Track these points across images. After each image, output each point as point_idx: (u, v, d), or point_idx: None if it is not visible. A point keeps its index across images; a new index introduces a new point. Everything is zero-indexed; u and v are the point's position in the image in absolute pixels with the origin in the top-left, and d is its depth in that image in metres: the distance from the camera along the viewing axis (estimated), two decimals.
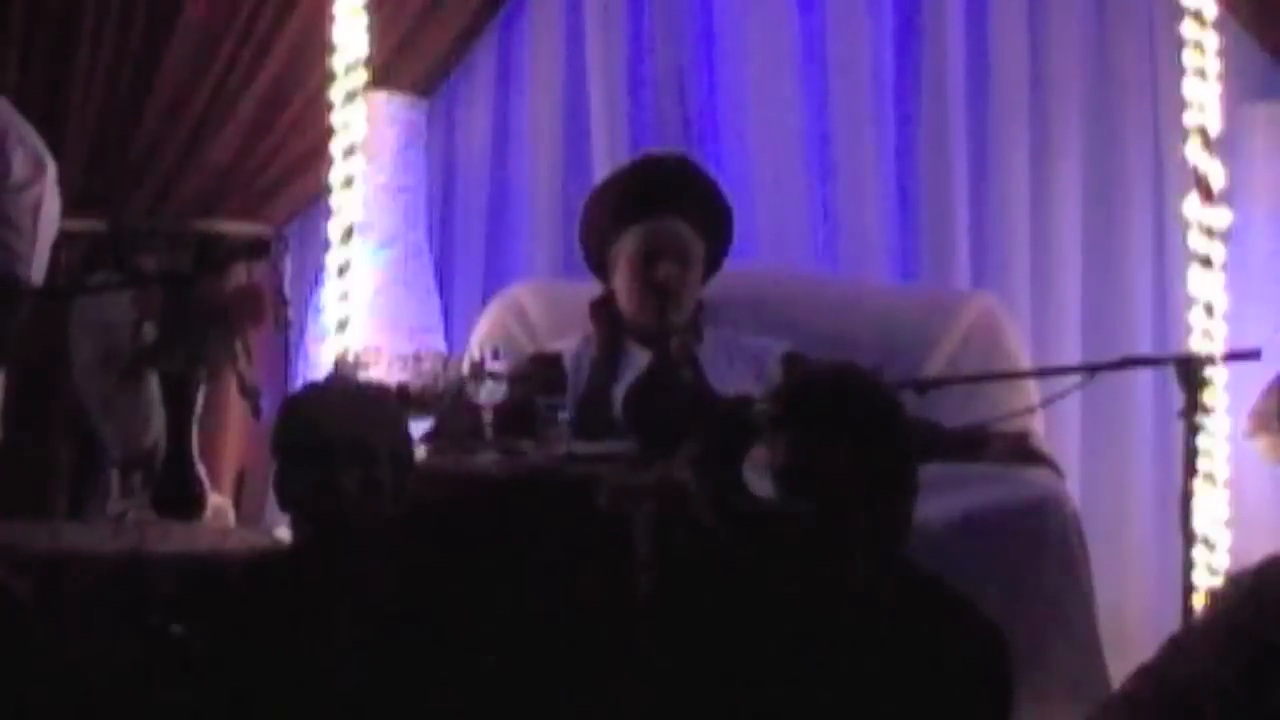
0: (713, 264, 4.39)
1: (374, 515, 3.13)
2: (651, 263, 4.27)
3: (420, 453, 3.74)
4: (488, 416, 4.05)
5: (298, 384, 4.71)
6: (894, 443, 2.89)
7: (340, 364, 4.66)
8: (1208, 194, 4.72)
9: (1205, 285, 4.71)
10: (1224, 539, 4.68)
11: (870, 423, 2.87)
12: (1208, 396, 4.30)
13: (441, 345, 4.94)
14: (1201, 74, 4.76)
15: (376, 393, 3.56)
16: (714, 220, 4.38)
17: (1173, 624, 3.72)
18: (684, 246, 4.30)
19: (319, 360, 4.92)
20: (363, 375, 4.38)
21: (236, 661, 3.06)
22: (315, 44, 4.98)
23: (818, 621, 2.85)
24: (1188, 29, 4.77)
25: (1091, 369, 4.05)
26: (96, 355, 4.51)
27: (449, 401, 4.23)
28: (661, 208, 4.31)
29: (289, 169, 5.09)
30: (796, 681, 2.82)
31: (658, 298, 4.28)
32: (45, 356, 4.70)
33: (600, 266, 4.41)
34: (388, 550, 3.16)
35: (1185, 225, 4.78)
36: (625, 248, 4.31)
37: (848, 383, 2.96)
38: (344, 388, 3.51)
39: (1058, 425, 4.78)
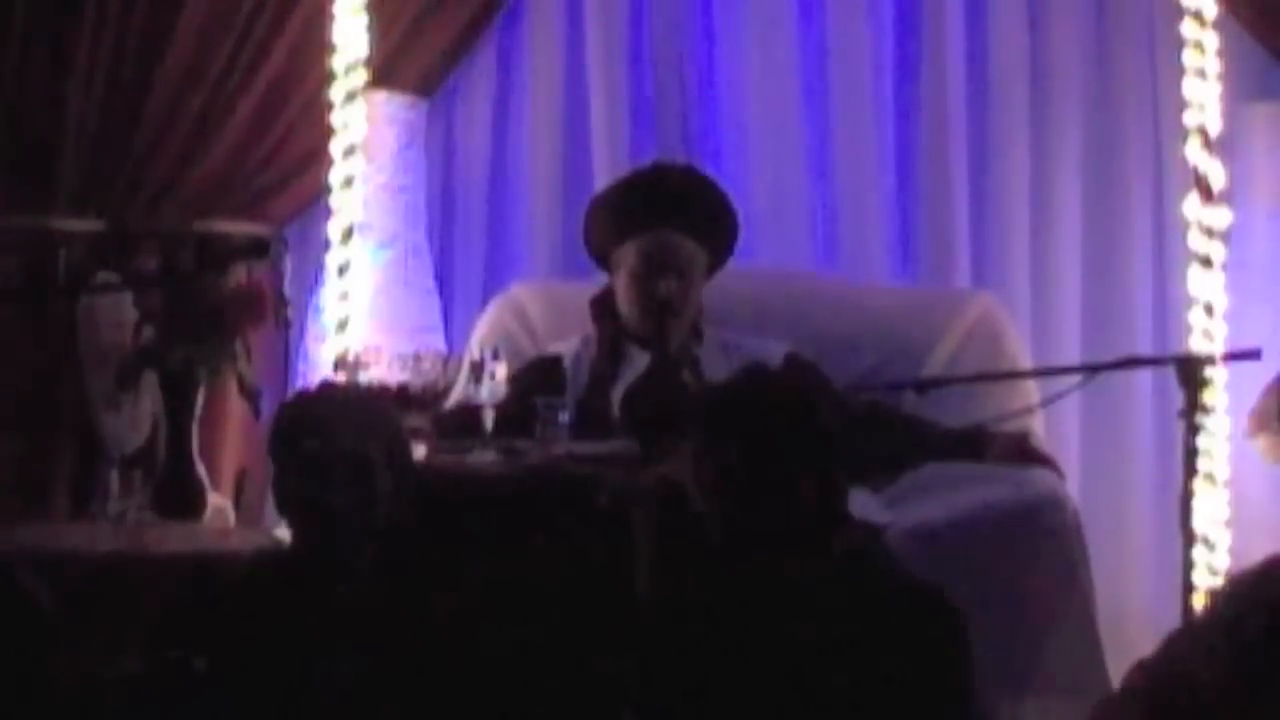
0: (715, 267, 4.38)
1: (371, 520, 3.13)
2: (652, 278, 4.27)
3: (420, 452, 3.74)
4: (488, 416, 4.05)
5: (298, 384, 4.71)
6: (801, 439, 2.92)
7: (340, 364, 4.66)
8: (1208, 194, 4.72)
9: (1205, 285, 4.71)
10: (1224, 539, 4.68)
11: (772, 426, 2.92)
12: (1208, 396, 4.30)
13: (441, 345, 4.93)
14: (1201, 74, 4.76)
15: (373, 400, 3.55)
16: (718, 232, 4.37)
17: (1173, 624, 3.71)
18: (685, 261, 4.29)
19: (319, 360, 4.91)
20: (363, 375, 4.37)
21: (235, 663, 3.06)
22: (315, 44, 4.97)
23: (774, 617, 2.87)
24: (1188, 29, 4.77)
25: (1091, 369, 4.06)
26: (97, 355, 4.51)
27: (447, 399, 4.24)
28: (664, 220, 4.30)
29: (289, 169, 5.08)
30: (786, 678, 2.84)
31: (658, 312, 4.27)
32: (46, 357, 4.70)
33: (603, 262, 4.40)
34: (386, 551, 3.16)
35: (1185, 225, 4.78)
36: (626, 259, 4.30)
37: (744, 392, 3.02)
38: (340, 396, 3.47)
39: (1058, 425, 4.77)
